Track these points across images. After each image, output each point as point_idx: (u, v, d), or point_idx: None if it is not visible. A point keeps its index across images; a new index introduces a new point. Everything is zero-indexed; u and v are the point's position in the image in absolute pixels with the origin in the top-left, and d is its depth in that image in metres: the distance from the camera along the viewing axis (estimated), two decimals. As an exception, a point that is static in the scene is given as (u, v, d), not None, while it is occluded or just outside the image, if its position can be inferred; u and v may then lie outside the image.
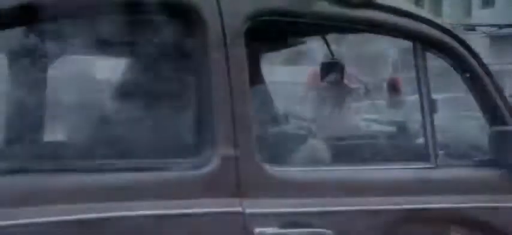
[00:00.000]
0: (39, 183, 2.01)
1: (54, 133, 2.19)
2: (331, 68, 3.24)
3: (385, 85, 3.28)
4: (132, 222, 2.09)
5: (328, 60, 3.23)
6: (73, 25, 2.14)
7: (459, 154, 2.71)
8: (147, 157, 2.17)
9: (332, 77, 3.19)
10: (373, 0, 2.57)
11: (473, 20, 25.78)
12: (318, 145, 2.67)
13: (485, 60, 2.71)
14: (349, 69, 3.19)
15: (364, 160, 2.60)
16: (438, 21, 2.71)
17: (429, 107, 2.63)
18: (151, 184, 2.13)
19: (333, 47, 3.30)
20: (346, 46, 3.38)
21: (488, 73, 2.72)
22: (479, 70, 2.70)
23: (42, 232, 1.97)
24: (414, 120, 2.87)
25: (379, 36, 2.72)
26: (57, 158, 2.08)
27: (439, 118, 2.65)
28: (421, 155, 2.63)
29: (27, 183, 2.00)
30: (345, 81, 3.25)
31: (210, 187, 2.19)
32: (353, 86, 3.42)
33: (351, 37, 3.10)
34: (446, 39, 2.67)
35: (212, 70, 2.23)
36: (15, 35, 2.04)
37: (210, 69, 2.23)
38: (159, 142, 2.20)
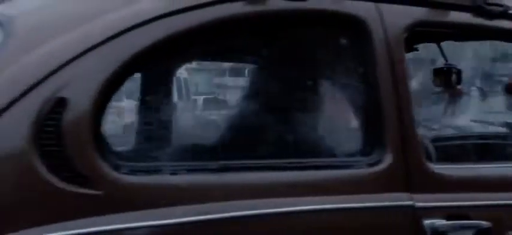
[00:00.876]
0: (239, 180, 2.25)
1: (248, 134, 2.42)
2: (446, 73, 3.46)
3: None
4: (318, 215, 2.32)
5: (443, 65, 3.45)
6: (263, 37, 2.40)
7: None
8: (329, 156, 2.41)
9: (448, 81, 3.41)
10: (509, 11, 2.80)
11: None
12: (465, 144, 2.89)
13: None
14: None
15: (505, 158, 2.82)
16: None
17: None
18: (333, 181, 2.36)
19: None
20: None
21: None
22: None
23: (243, 222, 2.21)
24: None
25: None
26: (252, 157, 2.31)
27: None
28: None
29: (230, 179, 2.23)
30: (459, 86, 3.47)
31: (383, 183, 2.41)
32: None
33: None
34: None
35: (379, 76, 2.45)
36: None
37: (377, 75, 2.45)
38: (338, 143, 2.44)
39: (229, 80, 2.69)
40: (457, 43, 3.35)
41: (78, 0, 2.42)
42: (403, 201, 2.42)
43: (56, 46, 2.14)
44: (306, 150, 2.41)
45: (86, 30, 2.17)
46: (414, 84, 3.13)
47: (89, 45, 2.12)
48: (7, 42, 2.18)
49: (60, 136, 2.03)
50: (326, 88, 2.53)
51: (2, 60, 2.14)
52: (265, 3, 2.34)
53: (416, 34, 2.65)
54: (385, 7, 2.51)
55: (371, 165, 2.41)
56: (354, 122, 2.48)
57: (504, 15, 2.78)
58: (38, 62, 2.11)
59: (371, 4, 2.49)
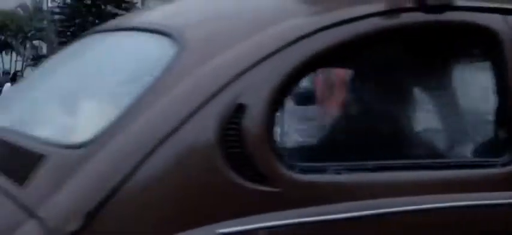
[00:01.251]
0: (393, 178, 2.45)
1: (399, 136, 2.64)
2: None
3: None
4: (458, 210, 2.52)
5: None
6: (406, 48, 2.63)
7: None
8: (469, 156, 2.62)
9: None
10: None
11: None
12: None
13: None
14: None
15: None
16: None
17: None
18: (473, 179, 2.56)
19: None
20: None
21: None
22: None
23: (401, 217, 2.42)
24: None
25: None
26: (403, 157, 2.52)
27: None
28: None
29: (386, 178, 2.44)
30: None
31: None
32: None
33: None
34: None
35: (510, 83, 2.65)
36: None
37: (508, 82, 2.65)
38: (476, 144, 2.65)
39: (377, 90, 2.85)
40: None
41: (237, 13, 2.64)
42: None
43: (230, 57, 2.35)
44: (448, 150, 2.63)
45: (257, 41, 2.38)
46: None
47: (262, 55, 2.33)
48: (181, 55, 2.39)
49: (241, 139, 2.24)
50: (463, 94, 2.75)
51: (178, 72, 2.35)
52: (404, 16, 2.55)
53: None
54: (510, 19, 2.71)
55: (504, 165, 2.61)
56: (488, 125, 2.68)
57: None
58: (215, 72, 2.32)
59: (499, 16, 2.69)
